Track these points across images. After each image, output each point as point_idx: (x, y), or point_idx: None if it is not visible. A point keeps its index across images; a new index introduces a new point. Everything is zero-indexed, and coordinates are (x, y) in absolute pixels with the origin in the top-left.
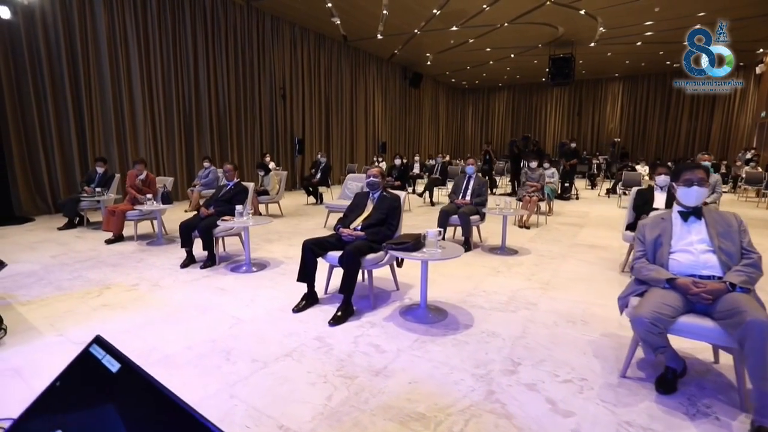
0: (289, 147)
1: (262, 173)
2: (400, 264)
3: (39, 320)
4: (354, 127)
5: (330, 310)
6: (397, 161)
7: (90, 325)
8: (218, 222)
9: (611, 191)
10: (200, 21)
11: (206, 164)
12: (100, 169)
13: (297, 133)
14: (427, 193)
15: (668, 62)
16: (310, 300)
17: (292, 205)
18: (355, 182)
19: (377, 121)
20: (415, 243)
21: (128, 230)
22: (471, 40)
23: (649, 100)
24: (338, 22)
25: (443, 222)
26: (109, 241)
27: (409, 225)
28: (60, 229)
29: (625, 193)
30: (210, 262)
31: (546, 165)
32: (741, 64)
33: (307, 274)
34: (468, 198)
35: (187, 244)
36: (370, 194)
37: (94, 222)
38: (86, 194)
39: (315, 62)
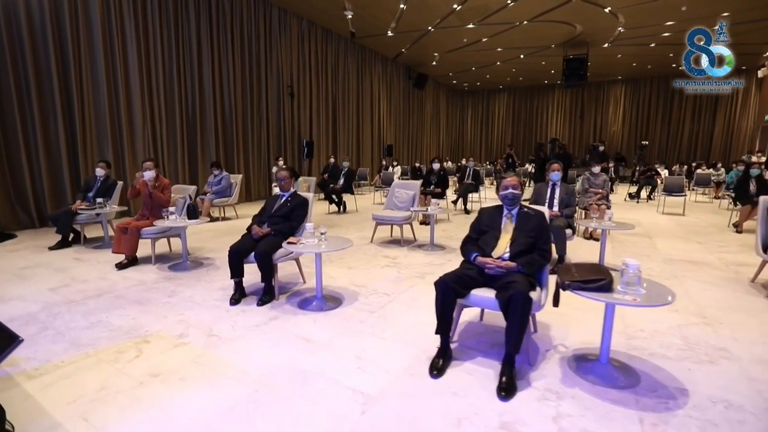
0: (296, 150)
1: None
2: (556, 303)
3: (61, 408)
4: (360, 128)
5: (473, 368)
6: (436, 165)
7: (145, 418)
8: (283, 244)
9: (636, 196)
10: (204, 10)
11: (216, 171)
12: (101, 172)
13: (304, 135)
14: (461, 200)
15: (674, 65)
16: (446, 357)
17: (314, 213)
18: (404, 189)
19: (382, 123)
20: (611, 280)
21: (142, 250)
22: (484, 39)
23: (651, 103)
24: (350, 16)
25: None
26: (120, 266)
27: (445, 236)
28: (52, 248)
29: (650, 197)
30: (268, 296)
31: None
32: (743, 67)
33: (446, 322)
34: (555, 209)
35: (237, 274)
36: (505, 210)
37: (92, 238)
38: (83, 207)
39: (322, 59)
